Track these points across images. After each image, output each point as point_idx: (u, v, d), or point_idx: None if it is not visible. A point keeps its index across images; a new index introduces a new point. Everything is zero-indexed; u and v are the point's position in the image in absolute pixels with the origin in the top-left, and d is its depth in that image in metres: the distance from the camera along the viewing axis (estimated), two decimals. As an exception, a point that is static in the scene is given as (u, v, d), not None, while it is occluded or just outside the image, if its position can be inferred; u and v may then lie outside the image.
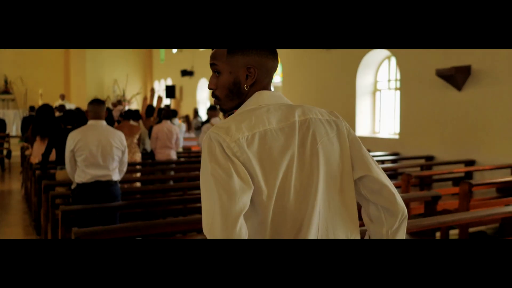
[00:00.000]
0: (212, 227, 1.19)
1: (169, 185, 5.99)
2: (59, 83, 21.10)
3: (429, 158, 7.16)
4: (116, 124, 8.11)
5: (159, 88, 20.74)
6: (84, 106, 14.32)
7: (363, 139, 8.02)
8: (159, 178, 6.18)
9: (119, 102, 15.32)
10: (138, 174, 6.43)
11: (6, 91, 19.60)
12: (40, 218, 5.30)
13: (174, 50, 19.17)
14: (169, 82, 19.81)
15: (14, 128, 16.63)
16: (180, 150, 8.54)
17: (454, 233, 4.29)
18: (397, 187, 3.77)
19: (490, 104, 6.33)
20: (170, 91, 18.02)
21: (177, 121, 10.43)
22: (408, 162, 7.02)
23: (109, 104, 15.51)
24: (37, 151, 6.16)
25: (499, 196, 5.67)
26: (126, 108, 12.59)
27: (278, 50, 1.61)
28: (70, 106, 13.84)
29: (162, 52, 20.82)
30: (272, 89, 1.45)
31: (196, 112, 13.54)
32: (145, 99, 10.78)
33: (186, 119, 12.88)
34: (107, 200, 3.95)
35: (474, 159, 6.54)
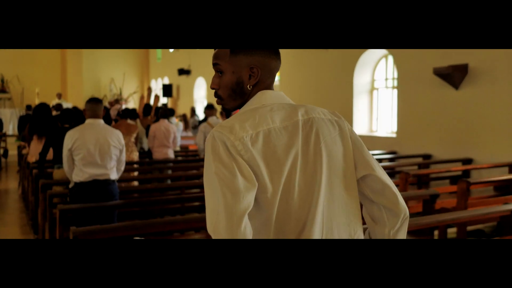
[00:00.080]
0: (217, 226, 1.18)
1: (166, 184, 5.98)
2: (56, 82, 21.06)
3: (427, 156, 7.17)
4: (113, 123, 8.10)
5: (156, 87, 20.71)
6: (81, 105, 14.30)
7: (361, 137, 8.00)
8: (157, 177, 6.17)
9: (116, 101, 15.29)
10: (136, 173, 6.42)
11: (3, 90, 19.55)
12: (37, 217, 5.28)
13: (171, 49, 19.14)
14: (166, 81, 19.79)
15: (10, 127, 16.59)
16: (178, 149, 8.53)
17: (452, 231, 4.30)
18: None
19: (487, 103, 6.35)
20: (167, 90, 17.98)
21: (174, 120, 10.41)
22: (406, 161, 7.03)
23: (105, 103, 15.47)
24: (34, 150, 6.14)
25: (497, 194, 5.68)
26: (123, 107, 12.54)
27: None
28: (67, 105, 13.79)
29: (159, 51, 20.79)
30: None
31: (193, 111, 13.52)
32: (142, 98, 10.76)
33: (183, 118, 12.87)
34: (105, 199, 3.94)
35: (472, 157, 6.55)
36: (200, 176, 6.08)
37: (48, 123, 6.01)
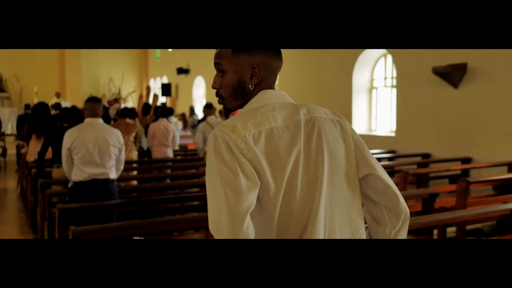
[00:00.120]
0: (219, 225, 1.18)
1: (165, 183, 5.98)
2: (54, 81, 21.02)
3: (426, 155, 7.17)
4: (112, 122, 8.09)
5: (155, 86, 20.69)
6: (79, 104, 14.28)
7: (360, 137, 8.01)
8: (156, 176, 6.16)
9: (116, 101, 15.27)
10: (135, 172, 6.41)
11: (1, 89, 19.51)
12: (36, 217, 5.27)
13: (170, 48, 19.13)
14: (165, 80, 19.77)
15: (9, 126, 16.57)
16: (177, 148, 8.52)
17: (451, 230, 4.30)
18: (394, 184, 3.77)
19: (486, 102, 6.35)
20: (166, 89, 17.96)
21: (173, 119, 10.41)
22: (405, 160, 7.03)
23: (104, 102, 15.46)
24: (32, 149, 6.13)
25: (496, 193, 5.69)
26: (122, 106, 12.53)
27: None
28: (65, 104, 13.77)
29: (157, 50, 20.76)
30: None
31: (192, 110, 13.51)
32: (141, 97, 10.76)
33: (182, 117, 12.85)
34: (104, 198, 3.94)
35: (471, 156, 6.55)
36: (199, 175, 6.08)
37: (47, 122, 5.99)
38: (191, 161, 7.24)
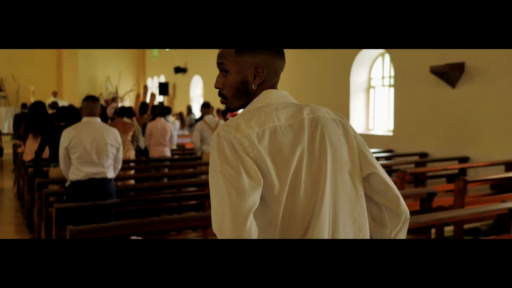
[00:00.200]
0: (222, 225, 1.18)
1: (163, 182, 5.96)
2: (51, 80, 20.95)
3: (423, 155, 7.18)
4: (109, 121, 8.07)
5: (152, 85, 20.65)
6: (76, 104, 14.24)
7: (357, 136, 8.02)
8: (153, 176, 6.15)
9: (114, 100, 15.23)
10: (132, 172, 6.40)
11: (-2, 88, 19.45)
12: (33, 216, 5.25)
13: (167, 47, 19.09)
14: (162, 79, 19.74)
15: (6, 126, 16.52)
16: (174, 147, 8.51)
17: (449, 229, 4.31)
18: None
19: (483, 101, 6.36)
20: (163, 88, 17.95)
21: (171, 118, 10.39)
22: (402, 159, 7.04)
23: (101, 102, 15.41)
24: (29, 148, 6.11)
25: (493, 192, 5.70)
26: (120, 105, 12.50)
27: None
28: (62, 103, 13.73)
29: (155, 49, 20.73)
30: None
31: (189, 109, 13.50)
32: (138, 96, 10.73)
33: (180, 116, 12.84)
34: (102, 197, 3.92)
35: (468, 155, 6.56)
36: (197, 174, 6.07)
37: (44, 121, 5.97)
38: (188, 160, 7.23)
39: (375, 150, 7.67)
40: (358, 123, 8.85)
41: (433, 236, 3.88)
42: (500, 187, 5.76)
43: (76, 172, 3.86)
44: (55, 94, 17.04)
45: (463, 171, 6.36)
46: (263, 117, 1.28)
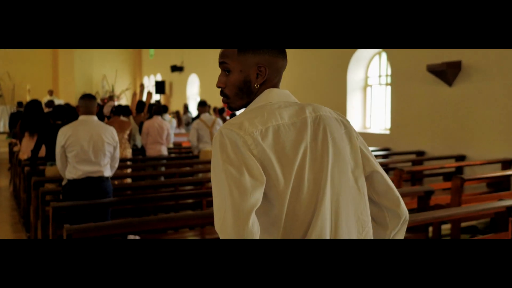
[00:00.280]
0: (224, 223, 1.18)
1: (160, 181, 5.94)
2: (47, 79, 20.87)
3: (420, 153, 7.19)
4: (106, 120, 8.04)
5: (149, 83, 20.61)
6: (72, 102, 14.21)
7: (354, 134, 8.03)
8: (150, 174, 6.14)
9: (110, 98, 15.18)
10: (129, 170, 6.38)
11: (-7, 87, 19.37)
12: (29, 215, 5.23)
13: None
14: (159, 77, 19.71)
15: (1, 124, 16.46)
16: (171, 145, 8.50)
17: (446, 227, 4.31)
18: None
19: (480, 100, 6.37)
20: (160, 87, 17.91)
21: (167, 116, 10.37)
22: (399, 157, 7.05)
23: (98, 100, 15.36)
24: (25, 147, 6.08)
25: (490, 191, 5.71)
26: (116, 103, 12.47)
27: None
28: (58, 102, 13.69)
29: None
30: None
31: (186, 108, 13.48)
32: (134, 94, 10.70)
33: (177, 114, 12.82)
34: (99, 196, 3.91)
35: (465, 154, 6.58)
36: (194, 173, 6.06)
37: (40, 120, 5.95)
38: (185, 159, 7.22)
39: (372, 149, 7.68)
40: (355, 121, 8.85)
41: (430, 234, 3.88)
42: (496, 185, 5.77)
43: (72, 171, 3.84)
44: (51, 92, 16.97)
45: (460, 170, 6.37)
46: (266, 115, 1.28)
